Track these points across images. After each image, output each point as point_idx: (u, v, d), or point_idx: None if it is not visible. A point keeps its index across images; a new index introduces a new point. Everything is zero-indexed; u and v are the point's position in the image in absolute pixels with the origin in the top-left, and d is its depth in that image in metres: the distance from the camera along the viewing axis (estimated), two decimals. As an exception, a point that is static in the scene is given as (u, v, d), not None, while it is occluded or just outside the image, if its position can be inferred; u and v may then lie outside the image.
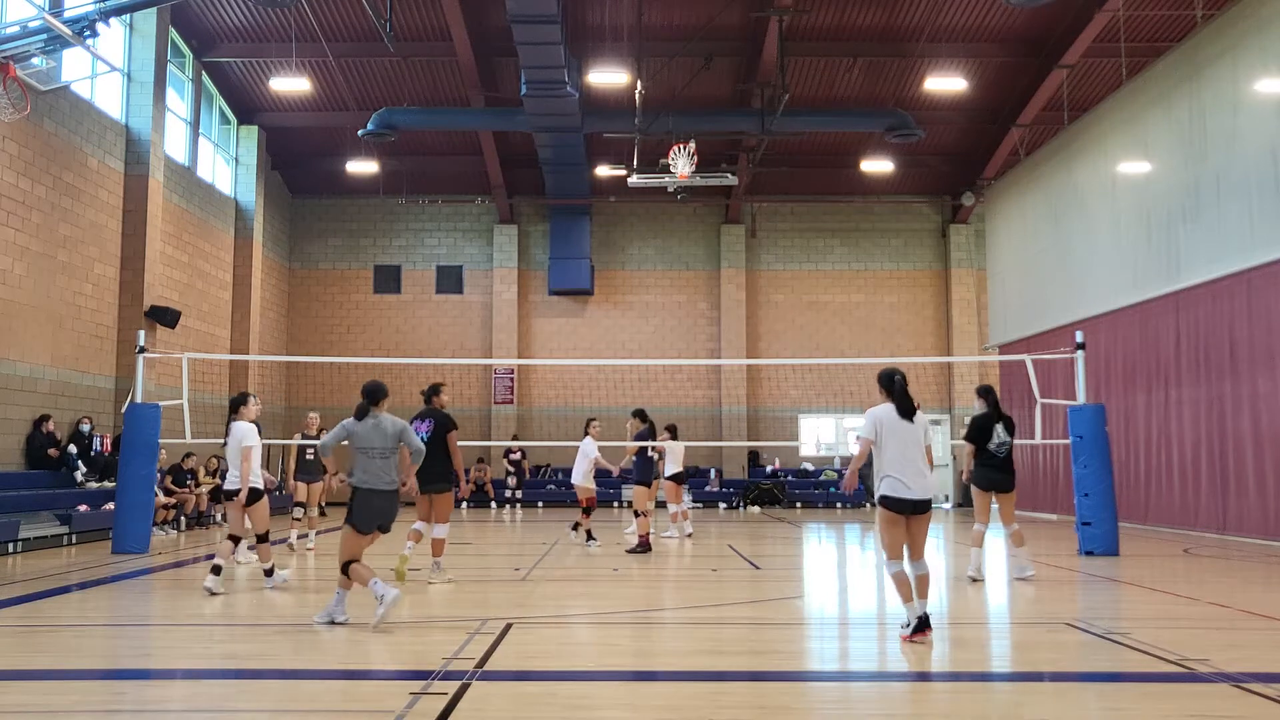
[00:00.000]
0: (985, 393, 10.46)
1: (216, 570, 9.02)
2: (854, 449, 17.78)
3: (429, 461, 9.24)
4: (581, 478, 13.95)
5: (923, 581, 6.98)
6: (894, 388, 6.99)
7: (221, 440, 9.98)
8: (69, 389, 17.06)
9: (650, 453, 14.12)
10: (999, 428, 10.21)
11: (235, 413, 9.69)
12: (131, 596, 9.40)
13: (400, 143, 23.35)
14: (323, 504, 13.94)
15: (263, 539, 9.73)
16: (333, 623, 7.32)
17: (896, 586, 6.85)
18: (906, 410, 6.93)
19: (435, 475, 9.68)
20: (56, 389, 16.71)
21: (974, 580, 10.06)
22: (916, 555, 7.02)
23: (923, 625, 6.87)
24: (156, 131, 19.19)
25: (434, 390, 10.08)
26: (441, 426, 9.76)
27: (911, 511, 6.85)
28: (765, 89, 21.70)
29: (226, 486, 9.54)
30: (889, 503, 6.82)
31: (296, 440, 12.96)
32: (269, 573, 9.56)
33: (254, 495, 9.54)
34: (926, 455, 6.95)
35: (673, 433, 15.48)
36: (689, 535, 15.62)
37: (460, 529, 18.05)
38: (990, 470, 10.23)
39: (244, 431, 9.52)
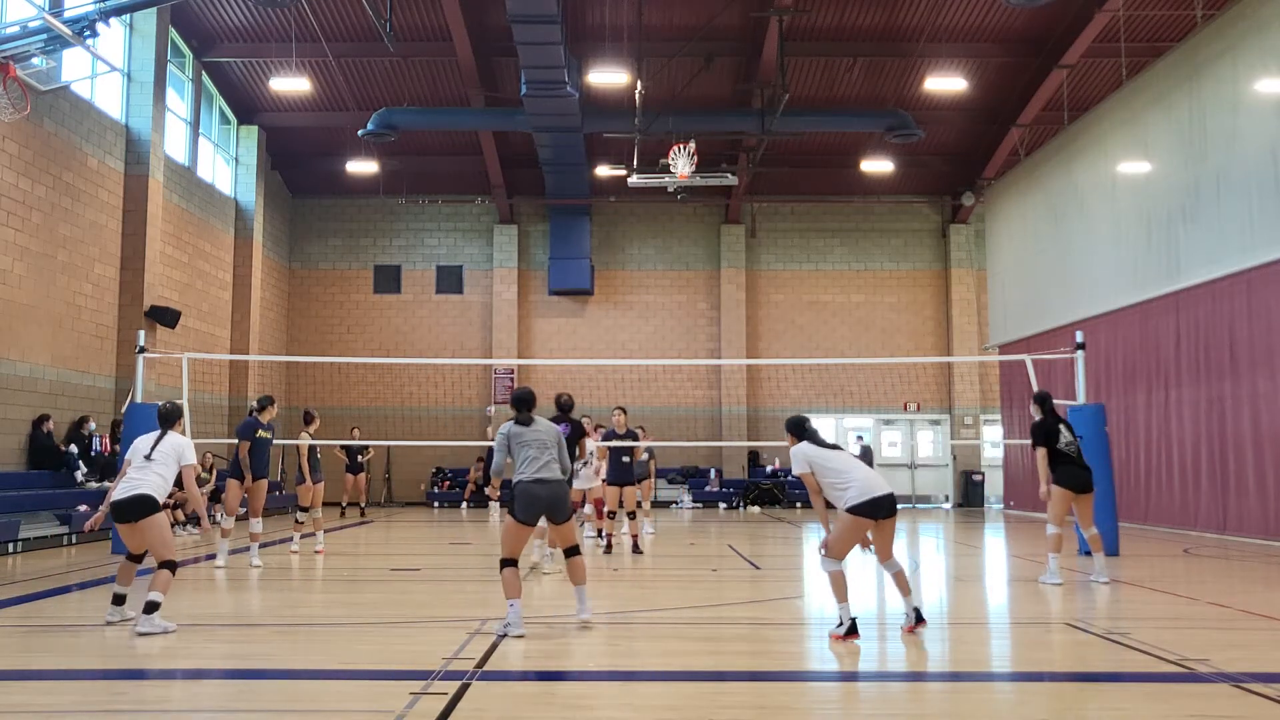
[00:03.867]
0: (1042, 399, 10.28)
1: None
2: (853, 449, 17.44)
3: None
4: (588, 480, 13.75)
5: (900, 578, 7.12)
6: (805, 433, 7.19)
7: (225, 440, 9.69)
8: (69, 389, 17.06)
9: (633, 454, 13.82)
10: (1062, 428, 10.04)
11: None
12: (131, 596, 9.37)
13: (400, 143, 23.34)
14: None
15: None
16: (505, 635, 6.85)
17: (835, 584, 6.88)
18: (822, 444, 7.14)
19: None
20: (56, 389, 16.71)
21: (1055, 586, 9.66)
22: (886, 556, 7.10)
23: (918, 619, 7.04)
24: (156, 131, 19.19)
25: (571, 402, 11.05)
26: (577, 430, 10.92)
27: (886, 514, 6.87)
28: (765, 89, 21.70)
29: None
30: (863, 508, 6.79)
31: (305, 440, 12.89)
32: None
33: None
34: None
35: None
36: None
37: (461, 529, 18.07)
38: (1074, 468, 9.90)
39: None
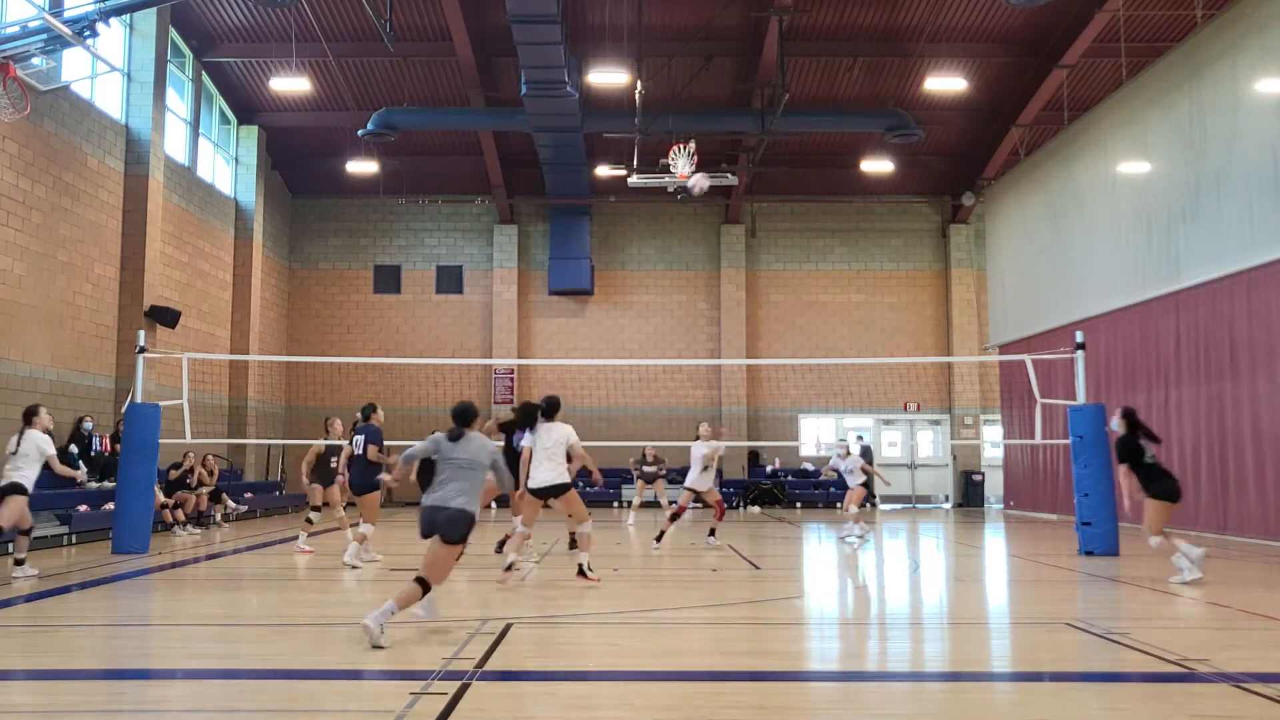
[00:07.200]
0: (1127, 415, 10.53)
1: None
2: (854, 449, 17.67)
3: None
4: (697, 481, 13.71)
5: (583, 538, 9.82)
6: (551, 414, 10.07)
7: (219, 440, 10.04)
8: (69, 389, 17.06)
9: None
10: (1144, 443, 10.35)
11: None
12: (131, 596, 9.40)
13: (400, 143, 23.34)
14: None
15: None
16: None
17: (519, 542, 10.00)
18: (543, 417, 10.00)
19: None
20: (56, 389, 16.70)
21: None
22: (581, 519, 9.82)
23: (581, 573, 9.63)
24: (156, 131, 19.19)
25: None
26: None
27: (547, 496, 9.79)
28: (765, 89, 21.70)
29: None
30: (532, 492, 9.82)
31: (321, 441, 13.11)
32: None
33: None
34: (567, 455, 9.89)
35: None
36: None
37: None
38: (1168, 480, 10.32)
39: None
